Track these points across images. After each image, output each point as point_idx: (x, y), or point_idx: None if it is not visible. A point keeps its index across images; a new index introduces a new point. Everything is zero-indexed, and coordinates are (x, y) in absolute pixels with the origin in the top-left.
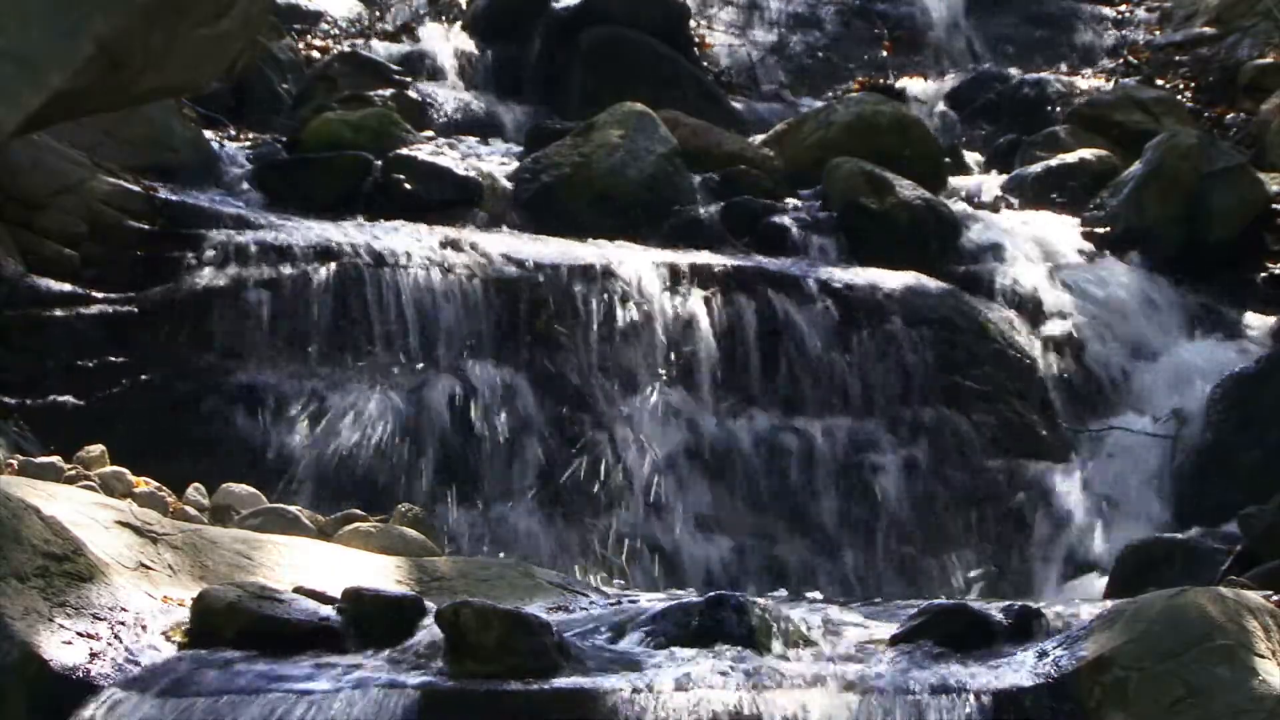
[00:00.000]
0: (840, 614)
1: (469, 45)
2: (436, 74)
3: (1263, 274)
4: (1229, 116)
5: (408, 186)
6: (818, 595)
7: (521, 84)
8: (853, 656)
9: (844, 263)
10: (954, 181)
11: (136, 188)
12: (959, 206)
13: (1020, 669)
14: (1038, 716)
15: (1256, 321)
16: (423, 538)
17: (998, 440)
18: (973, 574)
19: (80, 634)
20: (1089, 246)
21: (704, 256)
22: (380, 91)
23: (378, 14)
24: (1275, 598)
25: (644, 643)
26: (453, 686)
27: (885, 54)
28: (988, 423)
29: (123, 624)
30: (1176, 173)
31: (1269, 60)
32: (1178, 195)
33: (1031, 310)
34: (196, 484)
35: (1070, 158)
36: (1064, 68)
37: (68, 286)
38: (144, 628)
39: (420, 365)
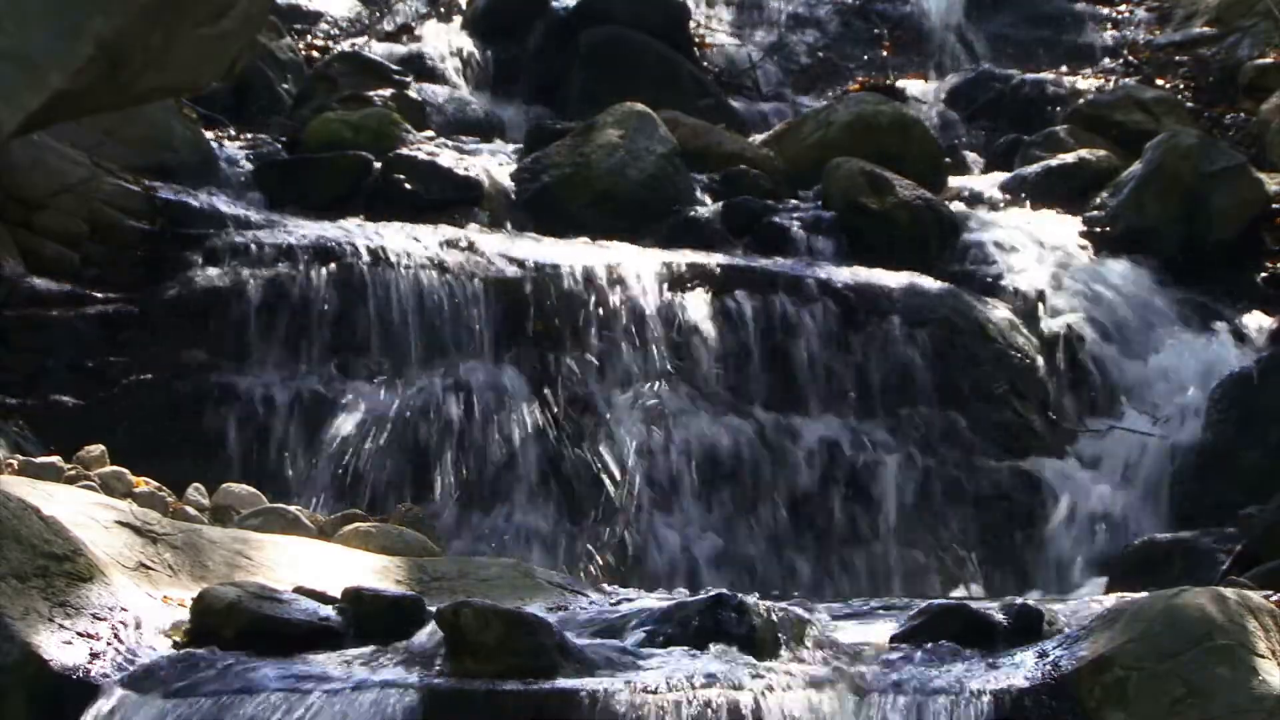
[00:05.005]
0: (840, 614)
1: (469, 45)
2: (436, 74)
3: (1263, 274)
4: (1229, 116)
5: (408, 186)
6: (817, 595)
7: (521, 84)
8: (853, 656)
9: (844, 263)
10: (954, 181)
11: (136, 188)
12: (959, 206)
13: (1020, 669)
14: (1038, 716)
15: (1256, 321)
16: (422, 538)
17: (998, 440)
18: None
19: (80, 634)
20: (1089, 246)
21: (704, 256)
22: (380, 91)
23: (378, 14)
24: (1275, 598)
25: (644, 643)
26: (453, 686)
27: (885, 54)
28: (988, 423)
29: (123, 624)
30: (1176, 173)
31: (1269, 60)
32: (1178, 195)
33: (1031, 310)
34: (196, 484)
35: (1070, 158)
36: (1064, 68)
37: (68, 286)
38: (144, 628)
39: (420, 365)
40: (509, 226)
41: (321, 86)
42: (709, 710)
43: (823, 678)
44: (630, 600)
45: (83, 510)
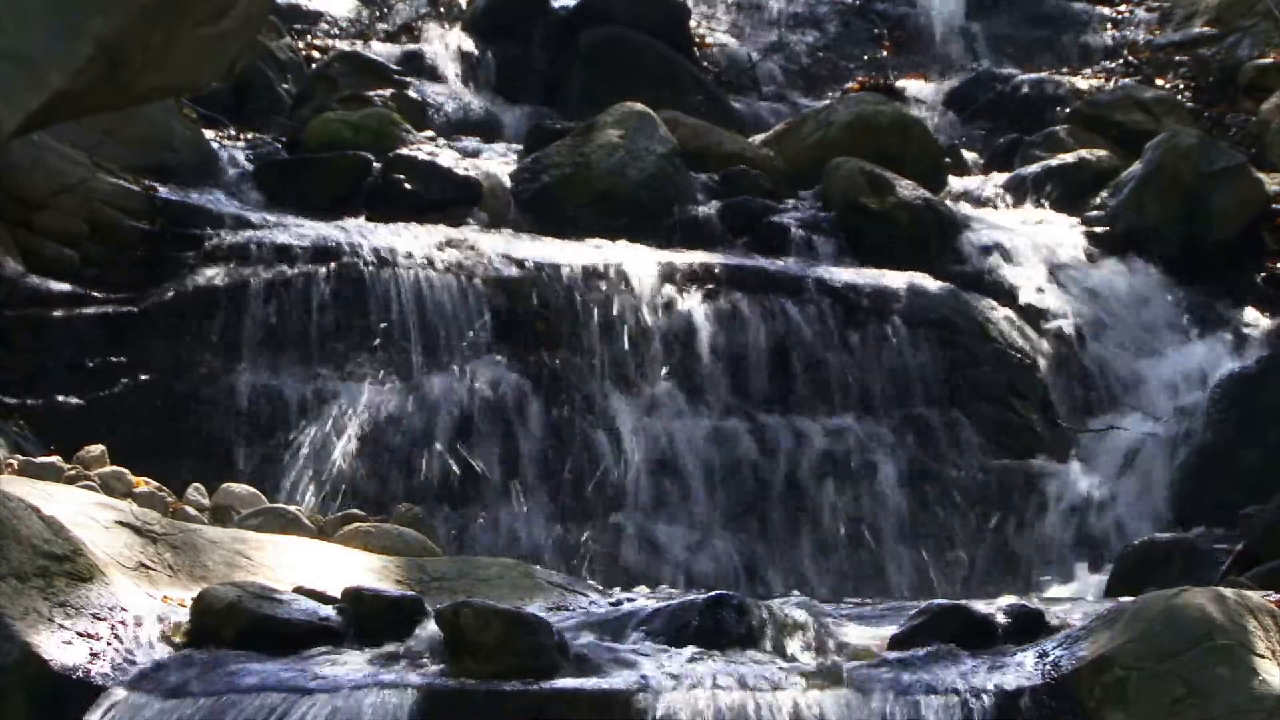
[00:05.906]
0: (840, 614)
1: (469, 45)
2: (436, 74)
3: (1263, 274)
4: (1229, 116)
5: (408, 186)
6: (818, 595)
7: (521, 84)
8: (853, 656)
9: (844, 263)
10: (954, 181)
11: (136, 188)
12: (959, 206)
13: (1020, 669)
14: (1038, 716)
15: (1256, 321)
16: (422, 538)
17: (998, 440)
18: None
19: (80, 634)
20: (1089, 246)
21: (704, 256)
22: (380, 91)
23: (378, 14)
24: (1275, 598)
25: (644, 643)
26: (453, 686)
27: (885, 54)
28: (988, 423)
29: (123, 624)
30: (1176, 173)
31: (1269, 60)
32: (1178, 195)
33: (1031, 310)
34: (196, 484)
35: (1070, 158)
36: (1064, 68)
37: (68, 286)
38: (144, 628)
39: (420, 365)
40: (509, 227)
41: (321, 86)
42: (709, 710)
43: (823, 678)
44: (630, 600)
45: (83, 510)
